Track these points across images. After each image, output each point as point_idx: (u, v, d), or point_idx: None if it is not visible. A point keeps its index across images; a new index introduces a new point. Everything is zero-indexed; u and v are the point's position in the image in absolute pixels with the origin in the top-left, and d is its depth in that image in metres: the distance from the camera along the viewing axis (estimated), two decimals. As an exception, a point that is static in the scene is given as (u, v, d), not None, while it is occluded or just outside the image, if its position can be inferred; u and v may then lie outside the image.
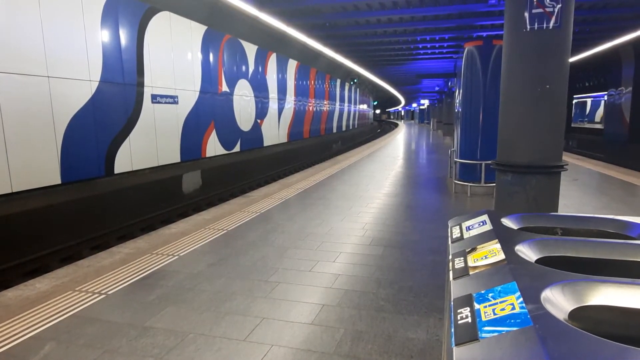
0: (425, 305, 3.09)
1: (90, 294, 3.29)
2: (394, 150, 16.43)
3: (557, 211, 3.86)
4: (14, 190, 6.15)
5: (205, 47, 11.20)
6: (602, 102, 21.14)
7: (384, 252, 4.28)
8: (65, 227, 6.73)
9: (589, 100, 23.69)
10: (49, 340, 2.64)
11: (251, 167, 13.51)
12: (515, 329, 0.88)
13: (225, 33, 12.21)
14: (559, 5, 3.35)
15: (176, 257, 4.15)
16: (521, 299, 0.98)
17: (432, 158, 13.59)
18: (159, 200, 8.92)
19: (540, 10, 3.40)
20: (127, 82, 8.33)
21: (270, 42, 15.11)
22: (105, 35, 7.76)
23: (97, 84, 7.59)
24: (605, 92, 20.16)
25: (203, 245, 4.51)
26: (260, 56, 14.76)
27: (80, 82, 7.25)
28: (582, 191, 7.35)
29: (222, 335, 2.69)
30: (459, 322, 0.97)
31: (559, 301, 1.01)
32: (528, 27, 3.46)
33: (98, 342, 2.62)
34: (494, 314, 0.96)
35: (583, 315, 1.01)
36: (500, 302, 0.99)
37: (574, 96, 24.56)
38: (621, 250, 1.35)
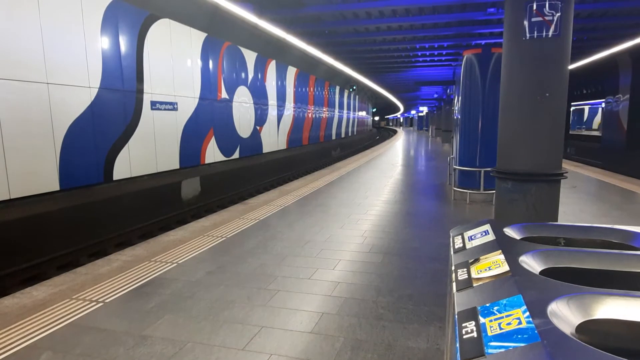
0: (425, 314, 3.07)
1: (87, 302, 3.25)
2: (393, 157, 16.44)
3: (557, 219, 3.85)
4: (12, 197, 6.12)
5: (205, 54, 11.23)
6: (600, 109, 21.24)
7: (383, 260, 4.26)
8: (63, 234, 6.69)
9: (586, 108, 23.79)
10: (45, 349, 2.60)
11: (250, 174, 13.49)
12: (522, 344, 0.86)
13: (225, 40, 12.26)
14: (559, 14, 3.36)
15: (175, 264, 4.12)
16: (527, 313, 0.96)
17: (431, 165, 13.60)
18: (157, 207, 8.89)
19: (540, 18, 3.42)
20: (126, 88, 8.33)
21: (270, 49, 15.17)
22: (105, 42, 7.77)
23: (96, 90, 7.59)
24: (603, 100, 20.25)
25: (202, 253, 4.48)
26: (259, 63, 14.81)
27: (79, 88, 7.26)
28: (580, 198, 7.35)
29: (220, 344, 2.66)
30: (464, 336, 0.95)
31: (565, 315, 0.99)
32: (527, 35, 3.47)
33: (95, 351, 2.58)
34: (500, 328, 0.94)
35: (590, 329, 1.00)
36: (506, 316, 0.97)
37: (572, 103, 24.67)
38: (626, 262, 1.34)
